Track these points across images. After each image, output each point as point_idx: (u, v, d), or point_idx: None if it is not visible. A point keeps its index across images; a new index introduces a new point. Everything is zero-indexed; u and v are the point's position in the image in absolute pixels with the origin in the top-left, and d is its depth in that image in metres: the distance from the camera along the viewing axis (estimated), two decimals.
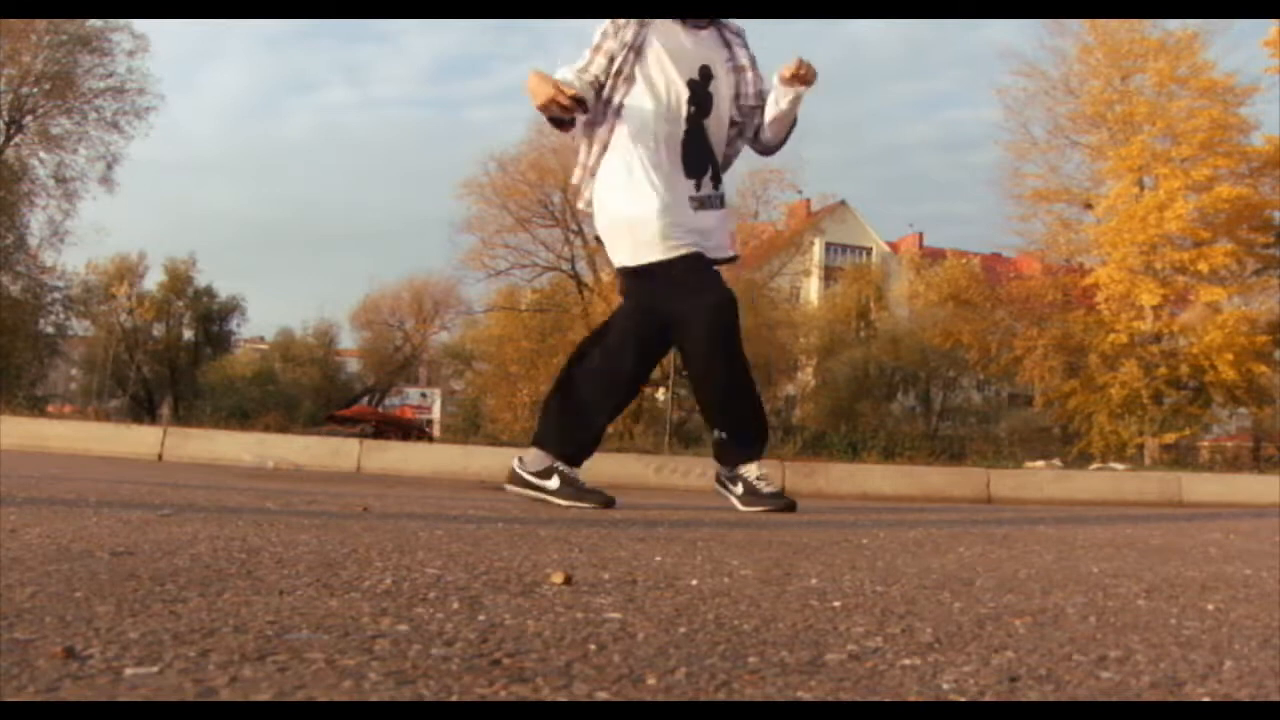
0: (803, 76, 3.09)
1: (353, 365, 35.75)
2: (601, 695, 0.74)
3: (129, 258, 30.77)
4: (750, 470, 3.09)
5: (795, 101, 3.14)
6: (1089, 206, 20.34)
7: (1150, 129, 18.88)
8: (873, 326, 30.57)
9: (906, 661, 0.90)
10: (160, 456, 7.14)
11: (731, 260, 3.12)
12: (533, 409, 25.01)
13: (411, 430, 21.71)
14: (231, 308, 33.29)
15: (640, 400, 23.82)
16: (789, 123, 3.22)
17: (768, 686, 0.79)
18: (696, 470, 6.66)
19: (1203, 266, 18.05)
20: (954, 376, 28.75)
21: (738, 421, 3.11)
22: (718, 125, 3.12)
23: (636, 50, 3.03)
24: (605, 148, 3.05)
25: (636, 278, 3.02)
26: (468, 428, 26.13)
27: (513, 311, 27.23)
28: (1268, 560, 2.01)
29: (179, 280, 32.25)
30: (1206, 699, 0.81)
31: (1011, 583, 1.49)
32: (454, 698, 0.71)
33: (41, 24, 20.91)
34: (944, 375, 28.80)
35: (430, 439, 19.34)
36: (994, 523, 3.03)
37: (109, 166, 22.69)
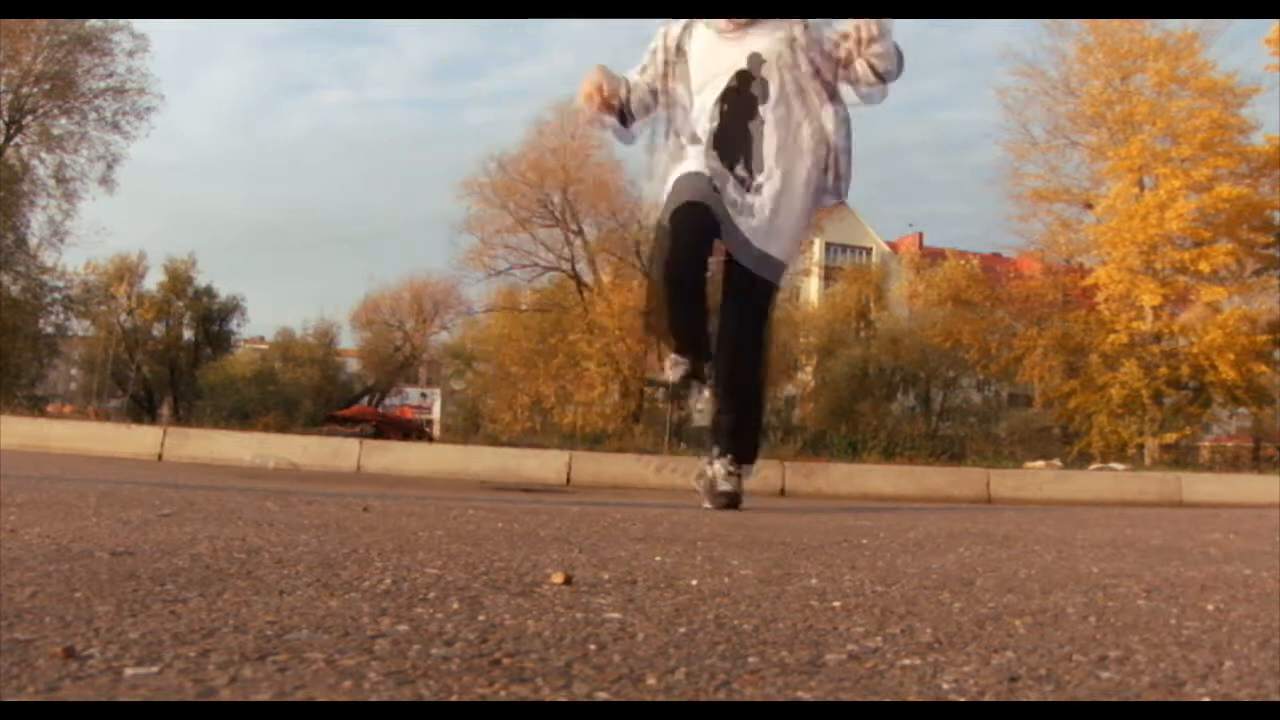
0: (856, 51, 3.02)
1: (353, 365, 35.71)
2: (601, 695, 0.74)
3: (129, 258, 30.78)
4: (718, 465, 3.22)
5: (872, 71, 3.06)
6: (1089, 206, 20.34)
7: (1150, 129, 18.87)
8: (873, 326, 30.54)
9: (906, 661, 0.90)
10: (160, 456, 7.13)
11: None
12: (533, 409, 25.01)
13: (411, 430, 21.73)
14: (231, 308, 33.28)
15: (640, 400, 23.83)
16: (887, 66, 3.10)
17: (768, 686, 0.79)
18: (696, 470, 6.65)
19: (1203, 266, 18.05)
20: (954, 376, 28.72)
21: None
22: (783, 109, 3.10)
23: (679, 51, 3.11)
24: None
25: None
26: (468, 428, 26.11)
27: (513, 311, 27.20)
28: (1268, 560, 2.01)
29: (179, 280, 32.23)
30: (1206, 699, 0.81)
31: (1011, 583, 1.49)
32: (454, 698, 0.71)
33: (41, 24, 20.89)
34: (944, 375, 28.77)
35: (430, 439, 19.34)
36: (994, 522, 3.03)
37: (109, 166, 22.69)
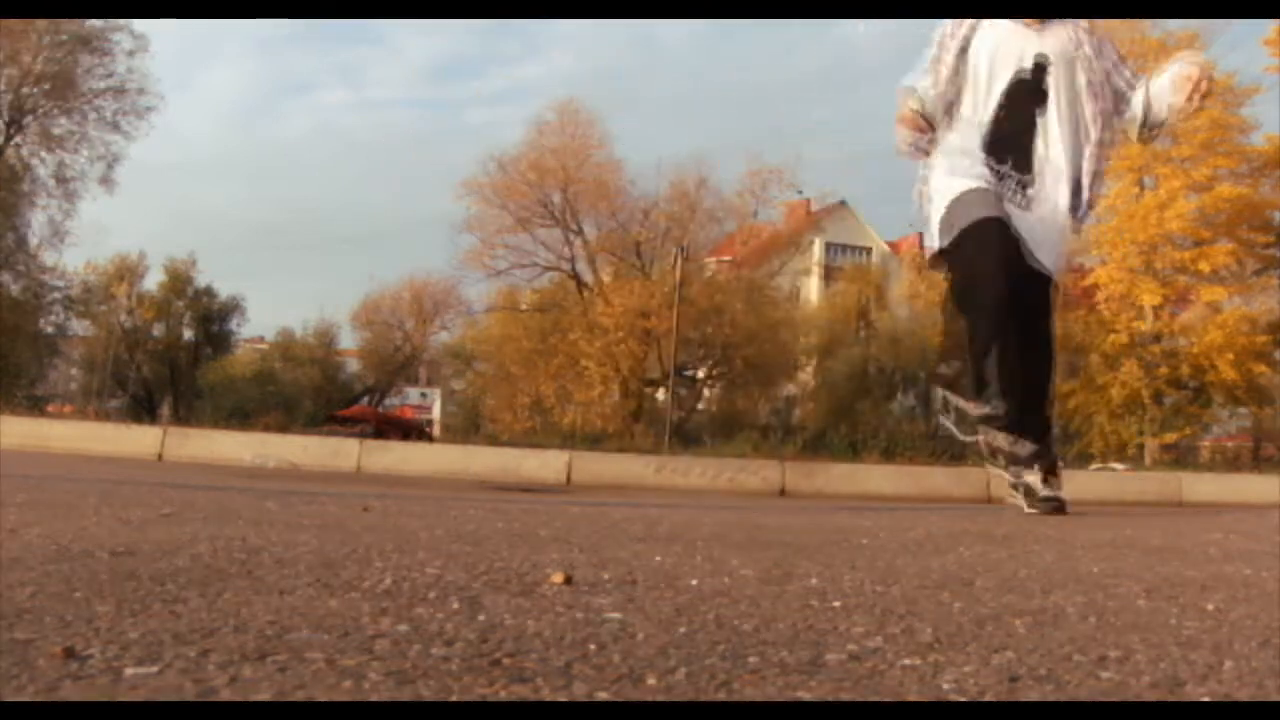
0: (1201, 92, 3.01)
1: (353, 365, 35.70)
2: (601, 695, 0.74)
3: (129, 258, 30.80)
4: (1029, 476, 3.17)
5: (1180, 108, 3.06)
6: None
7: None
8: (873, 326, 30.54)
9: (906, 661, 0.90)
10: (160, 456, 7.13)
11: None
12: (532, 409, 25.02)
13: (411, 430, 21.75)
14: (231, 308, 33.30)
15: (640, 400, 23.84)
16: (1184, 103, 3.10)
17: (768, 686, 0.79)
18: (696, 470, 6.66)
19: (1203, 266, 18.07)
20: None
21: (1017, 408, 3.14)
22: (1059, 116, 3.07)
23: (961, 52, 3.08)
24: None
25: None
26: (468, 428, 26.11)
27: (513, 311, 27.21)
28: (1268, 560, 2.01)
29: (179, 280, 32.25)
30: (1206, 699, 0.81)
31: (1011, 583, 1.49)
32: (454, 698, 0.71)
33: (41, 24, 20.90)
34: None
35: (430, 439, 19.35)
36: (994, 522, 3.03)
37: (109, 166, 22.73)
